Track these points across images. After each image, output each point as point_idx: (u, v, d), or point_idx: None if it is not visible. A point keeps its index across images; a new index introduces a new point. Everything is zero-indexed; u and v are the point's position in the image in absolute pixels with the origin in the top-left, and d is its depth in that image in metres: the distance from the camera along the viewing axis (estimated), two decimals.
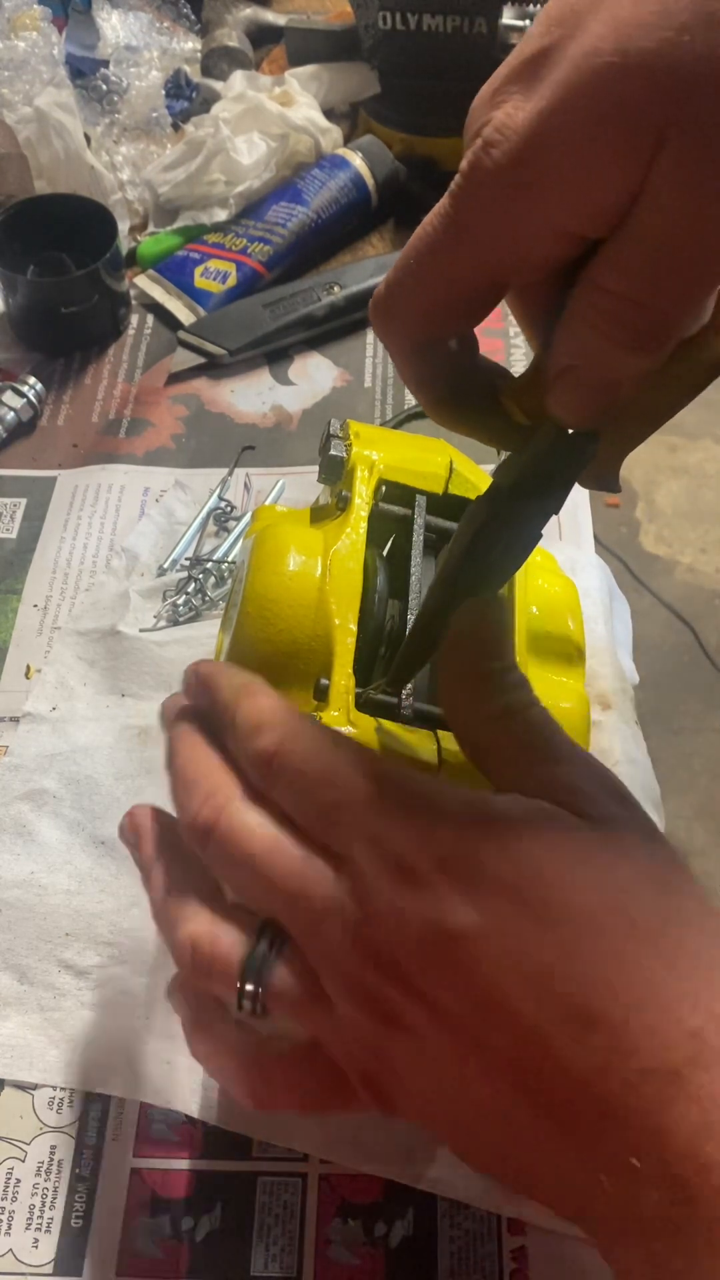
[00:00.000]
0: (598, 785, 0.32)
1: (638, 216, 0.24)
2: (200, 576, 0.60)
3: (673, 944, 0.28)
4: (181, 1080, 0.44)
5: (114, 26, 0.86)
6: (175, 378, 0.72)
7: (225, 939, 0.32)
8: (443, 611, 0.36)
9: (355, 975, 0.30)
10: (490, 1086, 0.28)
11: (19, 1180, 0.43)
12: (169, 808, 0.51)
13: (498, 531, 0.35)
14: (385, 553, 0.48)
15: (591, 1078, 0.27)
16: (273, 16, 0.92)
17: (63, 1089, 0.45)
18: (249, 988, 0.31)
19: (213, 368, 0.72)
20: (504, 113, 0.25)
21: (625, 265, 0.26)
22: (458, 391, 0.32)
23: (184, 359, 0.72)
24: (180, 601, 0.59)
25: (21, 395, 0.69)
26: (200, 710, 0.38)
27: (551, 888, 0.29)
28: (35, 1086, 0.45)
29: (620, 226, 0.25)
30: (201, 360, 0.72)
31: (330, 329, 0.73)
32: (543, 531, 0.35)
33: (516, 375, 0.32)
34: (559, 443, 0.32)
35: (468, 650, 0.35)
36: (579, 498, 0.64)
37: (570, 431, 0.31)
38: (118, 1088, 0.44)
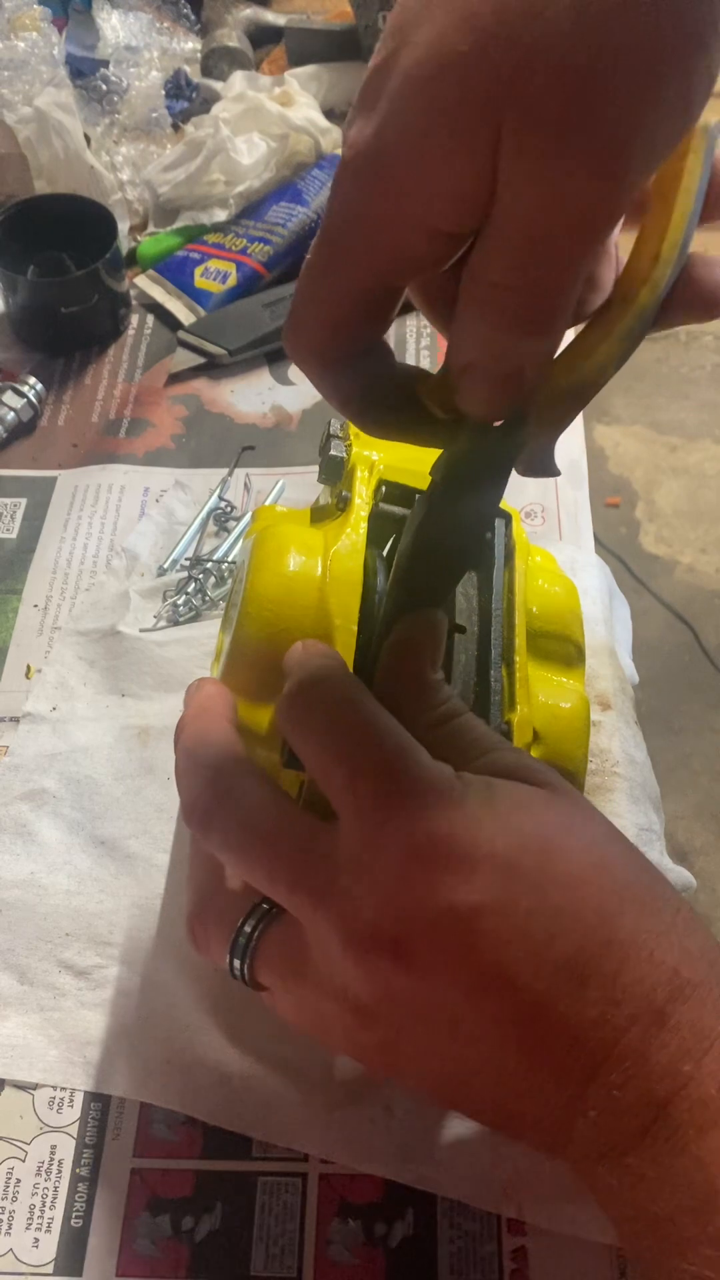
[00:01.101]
0: (532, 760, 0.35)
1: (498, 204, 0.25)
2: (200, 576, 0.60)
3: (645, 890, 0.31)
4: (181, 1080, 0.44)
5: (114, 26, 0.86)
6: (175, 378, 0.72)
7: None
8: (394, 618, 0.37)
9: (356, 955, 0.31)
10: (487, 1047, 0.31)
11: (19, 1180, 0.43)
12: (168, 807, 0.51)
13: (438, 529, 0.35)
14: (385, 553, 0.48)
15: (587, 1030, 0.29)
16: (273, 16, 0.92)
17: (63, 1089, 0.45)
18: (237, 964, 0.35)
19: (212, 368, 0.72)
20: (354, 132, 0.27)
21: (497, 254, 0.26)
22: (379, 400, 0.32)
23: (184, 359, 0.72)
24: (180, 601, 0.59)
25: (21, 395, 0.69)
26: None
27: (542, 856, 0.31)
28: (35, 1086, 0.45)
29: (487, 217, 0.26)
30: (201, 360, 0.72)
31: None
32: (491, 529, 0.36)
33: (434, 373, 0.33)
34: (485, 435, 0.32)
35: (406, 660, 0.36)
36: (579, 498, 0.64)
37: (495, 423, 0.31)
38: (118, 1087, 0.45)
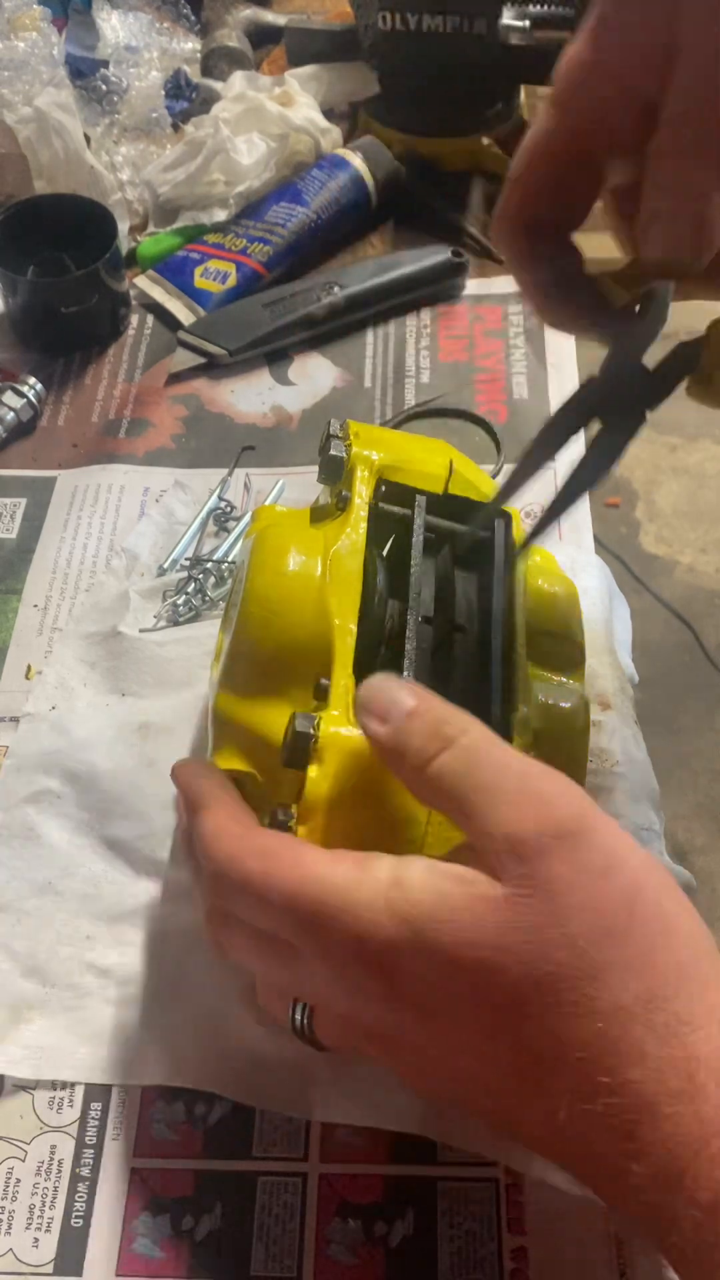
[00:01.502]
0: (512, 828, 0.32)
1: (681, 55, 0.31)
2: (200, 576, 0.60)
3: (618, 984, 0.30)
4: (216, 1065, 0.44)
5: (114, 27, 0.86)
6: (175, 378, 0.72)
7: None
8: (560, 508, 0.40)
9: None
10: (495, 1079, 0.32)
11: (19, 1180, 0.43)
12: (170, 799, 0.51)
13: (615, 424, 0.40)
14: (385, 553, 0.48)
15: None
16: (273, 16, 0.92)
17: (63, 1089, 0.45)
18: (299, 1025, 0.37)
19: (212, 368, 0.72)
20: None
21: (680, 94, 0.32)
22: (566, 292, 0.38)
23: (184, 359, 0.72)
24: (180, 601, 0.59)
25: (21, 395, 0.69)
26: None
27: (480, 984, 0.31)
28: (35, 1086, 0.45)
29: (669, 80, 0.32)
30: (201, 360, 0.72)
31: (330, 329, 0.73)
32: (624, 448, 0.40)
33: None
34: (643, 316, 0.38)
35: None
36: (579, 499, 0.64)
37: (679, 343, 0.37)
38: (152, 1077, 0.45)
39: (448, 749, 0.34)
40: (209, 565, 0.60)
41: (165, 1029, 0.46)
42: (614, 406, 0.40)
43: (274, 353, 0.73)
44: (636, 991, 0.30)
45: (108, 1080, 0.45)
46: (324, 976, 0.34)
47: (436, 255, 0.75)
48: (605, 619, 0.57)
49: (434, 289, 0.75)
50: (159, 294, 0.76)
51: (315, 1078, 0.44)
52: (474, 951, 0.31)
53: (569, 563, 0.56)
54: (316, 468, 0.48)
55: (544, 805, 0.33)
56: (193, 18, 0.90)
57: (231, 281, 0.75)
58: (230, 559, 0.61)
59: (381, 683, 0.37)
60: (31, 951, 0.48)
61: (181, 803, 0.41)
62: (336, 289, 0.73)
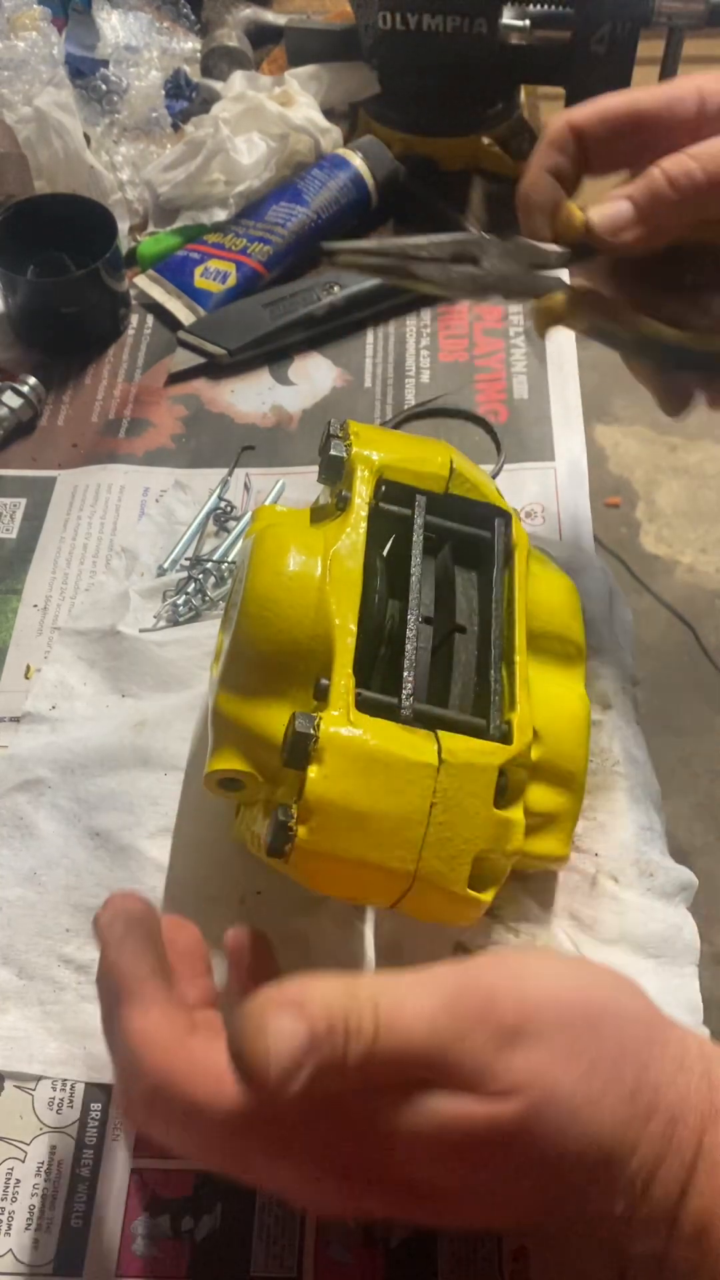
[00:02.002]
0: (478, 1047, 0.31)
1: None
2: (200, 576, 0.60)
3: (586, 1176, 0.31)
4: None
5: (114, 26, 0.86)
6: (175, 378, 0.72)
7: None
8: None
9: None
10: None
11: (19, 1180, 0.43)
12: (163, 800, 0.51)
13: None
14: (385, 553, 0.48)
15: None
16: (273, 16, 0.92)
17: (63, 1089, 0.45)
18: None
19: (212, 368, 0.72)
20: None
21: None
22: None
23: (184, 359, 0.72)
24: (180, 601, 0.59)
25: (21, 395, 0.69)
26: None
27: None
28: (35, 1086, 0.45)
29: None
30: (201, 360, 0.72)
31: (330, 329, 0.73)
32: None
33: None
34: None
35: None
36: (579, 498, 0.64)
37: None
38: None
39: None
40: (209, 565, 0.60)
41: None
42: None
43: (274, 353, 0.73)
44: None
45: (76, 1077, 0.45)
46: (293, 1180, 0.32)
47: None
48: (605, 619, 0.57)
49: None
50: (159, 294, 0.76)
51: None
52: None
53: (569, 563, 0.56)
54: (316, 468, 0.47)
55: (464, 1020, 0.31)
56: (193, 18, 0.90)
57: (231, 281, 0.75)
58: (230, 559, 0.61)
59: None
60: (10, 942, 0.48)
61: (100, 951, 0.37)
62: (336, 289, 0.73)
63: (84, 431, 0.70)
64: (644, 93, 0.49)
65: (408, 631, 0.43)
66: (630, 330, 0.49)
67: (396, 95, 0.82)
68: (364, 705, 0.41)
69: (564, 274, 0.50)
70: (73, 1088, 0.45)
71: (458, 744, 0.40)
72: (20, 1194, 0.43)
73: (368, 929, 0.48)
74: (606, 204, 0.47)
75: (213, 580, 0.60)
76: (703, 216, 0.47)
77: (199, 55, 0.88)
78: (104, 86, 0.82)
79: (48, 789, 0.52)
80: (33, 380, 0.69)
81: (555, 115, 0.50)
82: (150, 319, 0.76)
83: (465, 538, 0.47)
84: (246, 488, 0.66)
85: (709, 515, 1.82)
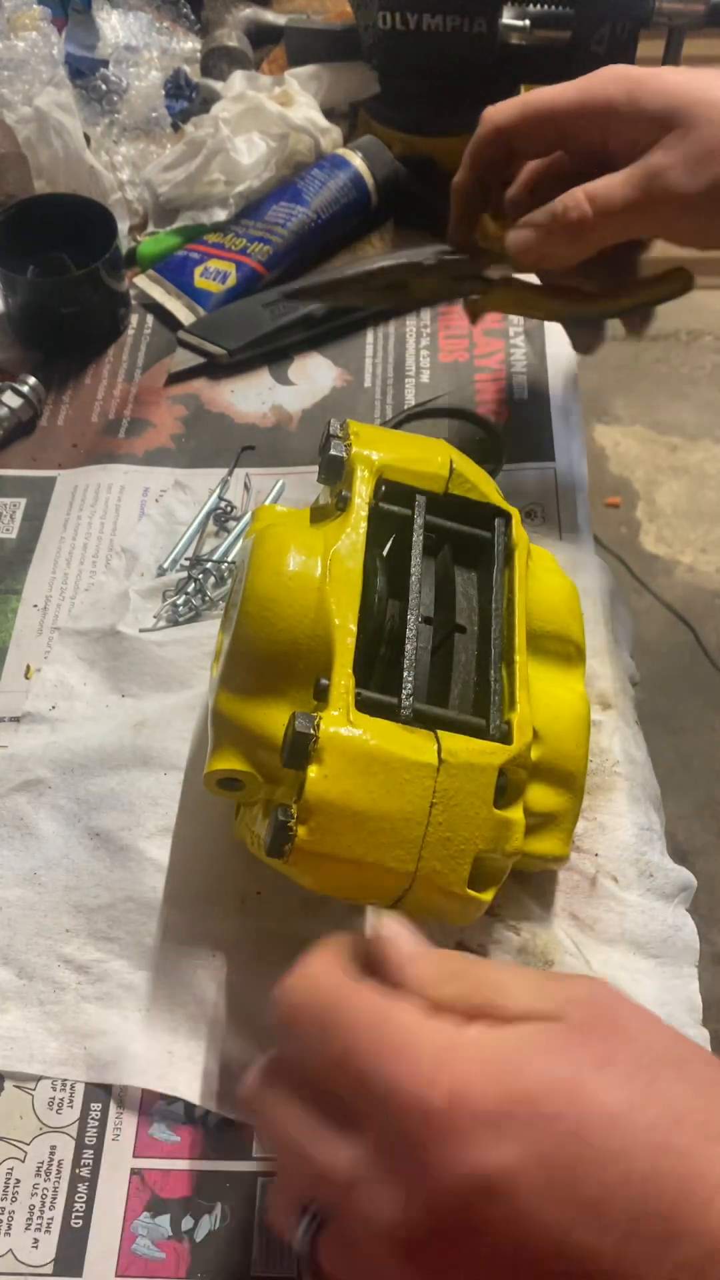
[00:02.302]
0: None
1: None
2: (200, 576, 0.60)
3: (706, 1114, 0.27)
4: (183, 1068, 0.44)
5: (114, 26, 0.86)
6: (175, 378, 0.72)
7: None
8: None
9: (389, 1249, 0.28)
10: None
11: (19, 1180, 0.43)
12: (162, 800, 0.51)
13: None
14: (385, 553, 0.48)
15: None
16: (273, 16, 0.92)
17: (62, 1089, 0.45)
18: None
19: (212, 368, 0.72)
20: None
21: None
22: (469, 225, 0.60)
23: (183, 358, 0.72)
24: (180, 602, 0.59)
25: (21, 395, 0.69)
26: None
27: (573, 1098, 0.28)
28: (35, 1086, 0.45)
29: None
30: (201, 360, 0.72)
31: (330, 329, 0.73)
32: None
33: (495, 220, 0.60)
34: None
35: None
36: (579, 498, 0.64)
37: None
38: (118, 1076, 0.45)
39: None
40: (209, 565, 0.60)
41: (139, 1031, 0.46)
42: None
43: (274, 352, 0.73)
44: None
45: (76, 1077, 0.45)
46: (365, 1158, 0.29)
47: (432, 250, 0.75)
48: (605, 619, 0.57)
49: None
50: (159, 294, 0.76)
51: None
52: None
53: (569, 563, 0.56)
54: (316, 468, 0.47)
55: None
56: (193, 17, 0.90)
57: (231, 281, 0.75)
58: (230, 559, 0.61)
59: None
60: (10, 941, 0.48)
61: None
62: None
63: (84, 431, 0.70)
64: (562, 91, 0.55)
65: (408, 631, 0.43)
66: (543, 310, 0.63)
67: (396, 95, 0.82)
68: (364, 705, 0.41)
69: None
70: (73, 1087, 0.45)
71: (458, 744, 0.40)
72: (20, 1194, 0.43)
73: (368, 930, 0.48)
74: (517, 231, 0.56)
75: (213, 580, 0.60)
76: (599, 247, 0.55)
77: (199, 55, 0.88)
78: (104, 86, 0.82)
79: (48, 789, 0.52)
80: (33, 380, 0.69)
81: (485, 111, 0.57)
82: (150, 319, 0.76)
83: (465, 538, 0.47)
84: (246, 488, 0.66)
85: (709, 515, 1.82)
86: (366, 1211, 0.29)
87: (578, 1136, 0.27)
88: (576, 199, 0.53)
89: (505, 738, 0.42)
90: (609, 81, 0.54)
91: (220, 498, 0.64)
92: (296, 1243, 0.31)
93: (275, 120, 0.78)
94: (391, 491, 0.47)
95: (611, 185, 0.53)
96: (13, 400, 0.68)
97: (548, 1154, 0.27)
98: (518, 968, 0.32)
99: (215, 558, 0.61)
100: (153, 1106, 0.45)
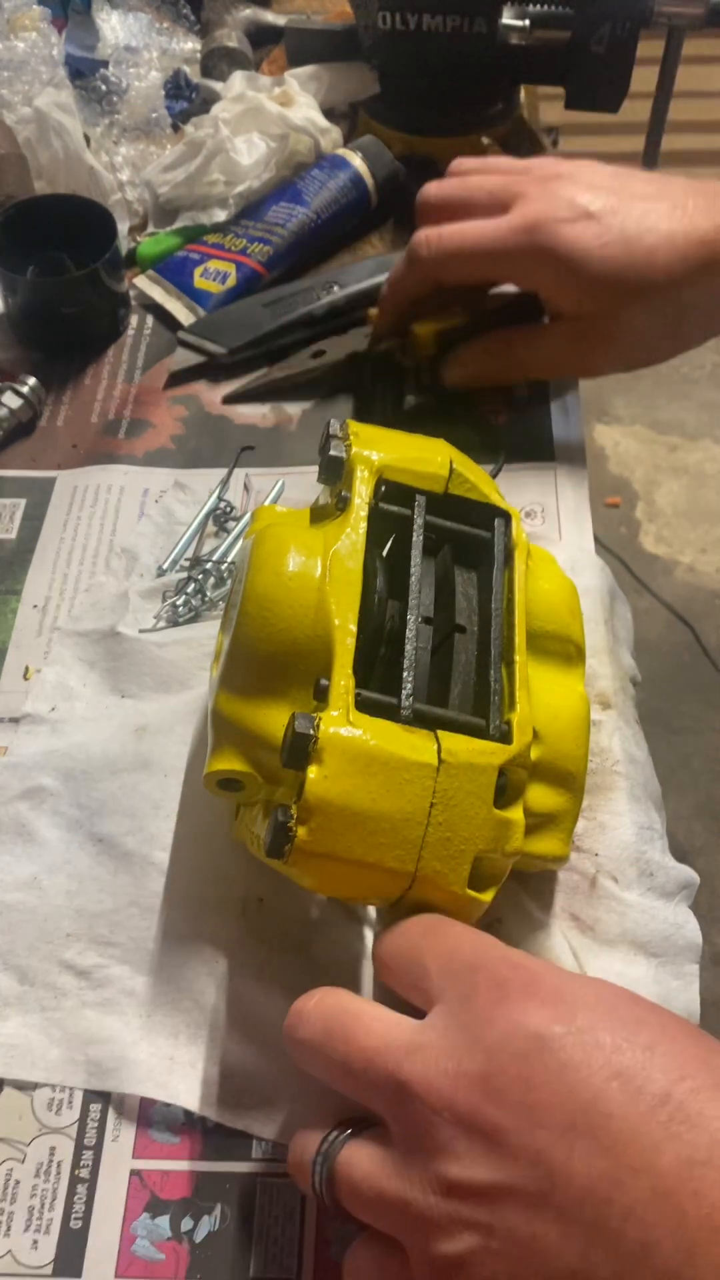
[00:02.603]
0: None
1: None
2: (200, 577, 0.60)
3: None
4: (184, 1075, 0.44)
5: (114, 27, 0.86)
6: (175, 378, 0.72)
7: None
8: None
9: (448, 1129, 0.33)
10: None
11: (18, 1181, 0.43)
12: (165, 803, 0.51)
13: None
14: (385, 553, 0.48)
15: None
16: (273, 16, 0.92)
17: (62, 1090, 0.45)
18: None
19: (213, 368, 0.72)
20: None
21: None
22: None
23: (184, 358, 0.72)
24: (180, 602, 0.59)
25: (21, 395, 0.68)
26: None
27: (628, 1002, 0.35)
28: (35, 1087, 0.45)
29: None
30: (201, 360, 0.72)
31: (330, 328, 0.73)
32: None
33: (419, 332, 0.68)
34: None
35: None
36: (579, 498, 0.64)
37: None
38: (119, 1083, 0.44)
39: None
40: (209, 566, 0.60)
41: (140, 1038, 0.45)
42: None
43: (274, 352, 0.73)
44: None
45: (77, 1084, 0.45)
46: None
47: None
48: (605, 619, 0.57)
49: None
50: (159, 294, 0.76)
51: (287, 1095, 0.44)
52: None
53: (569, 563, 0.56)
54: (316, 468, 0.47)
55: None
56: (193, 18, 0.90)
57: (231, 281, 0.75)
58: (230, 559, 0.61)
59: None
60: (11, 947, 0.48)
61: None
62: (336, 288, 0.73)
63: (84, 432, 0.70)
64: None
65: (407, 632, 0.43)
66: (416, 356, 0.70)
67: (396, 95, 0.82)
68: (364, 705, 0.41)
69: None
70: (72, 1089, 0.45)
71: (457, 744, 0.40)
72: (19, 1195, 0.43)
73: (368, 930, 0.48)
74: (453, 369, 0.68)
75: (212, 581, 0.60)
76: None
77: (199, 55, 0.88)
78: (104, 87, 0.82)
79: (50, 796, 0.52)
80: (33, 380, 0.69)
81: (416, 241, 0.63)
82: (150, 319, 0.76)
83: (465, 538, 0.47)
84: (246, 488, 0.66)
85: (709, 515, 1.82)
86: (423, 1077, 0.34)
87: (628, 1024, 0.33)
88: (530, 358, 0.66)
89: (505, 738, 0.42)
90: (532, 248, 0.60)
91: (220, 498, 0.64)
92: (315, 1179, 0.36)
93: (275, 120, 0.78)
94: (391, 491, 0.47)
95: (558, 342, 0.64)
96: (13, 401, 0.68)
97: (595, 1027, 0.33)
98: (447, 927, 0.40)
99: (215, 558, 0.61)
100: (152, 1108, 0.44)
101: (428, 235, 0.62)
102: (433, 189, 0.64)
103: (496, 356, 0.66)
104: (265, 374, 0.71)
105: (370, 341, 0.69)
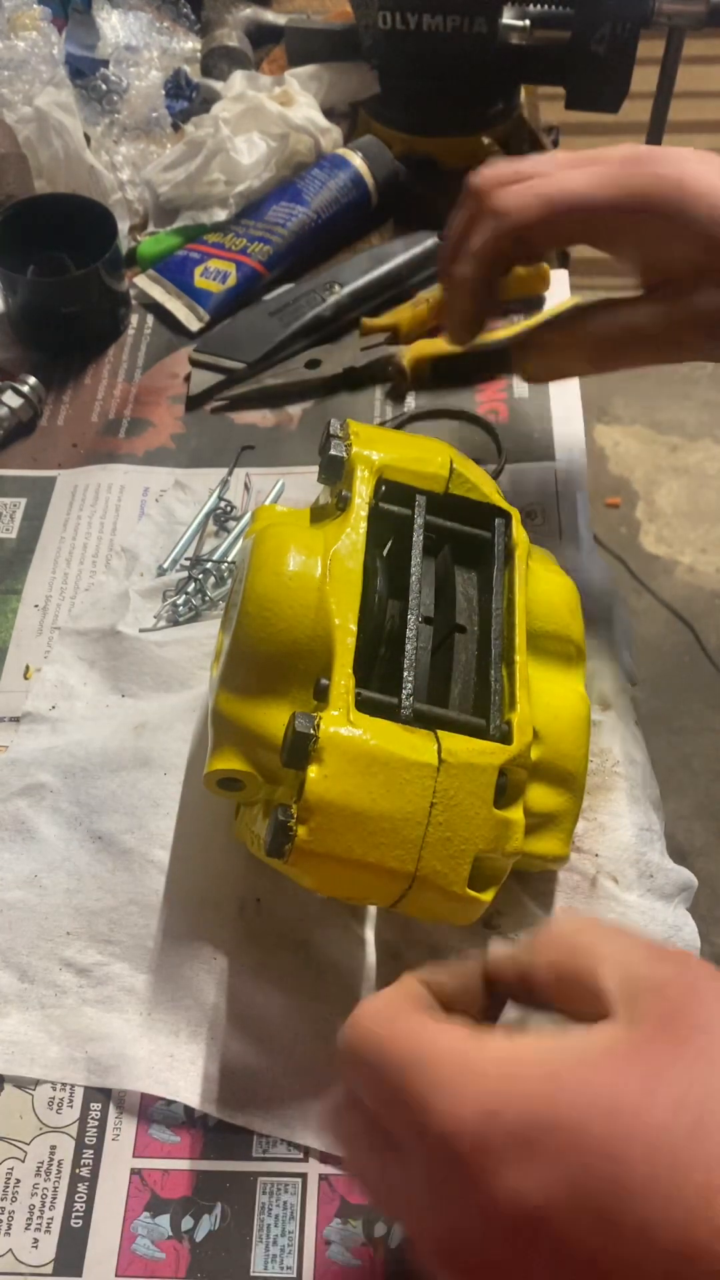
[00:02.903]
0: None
1: None
2: (200, 577, 0.60)
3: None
4: (184, 1072, 0.44)
5: (114, 26, 0.86)
6: (196, 400, 0.70)
7: None
8: None
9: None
10: None
11: (19, 1180, 0.43)
12: (163, 801, 0.51)
13: None
14: (385, 553, 0.48)
15: None
16: (273, 16, 0.92)
17: (62, 1089, 0.45)
18: None
19: (231, 383, 0.71)
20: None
21: None
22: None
23: (201, 380, 0.71)
24: (180, 602, 0.59)
25: (21, 395, 0.69)
26: None
27: (615, 1119, 0.26)
28: (36, 1086, 0.45)
29: None
30: (220, 378, 0.71)
31: (336, 329, 0.73)
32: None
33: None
34: None
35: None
36: (579, 498, 0.64)
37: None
38: (119, 1080, 0.44)
39: None
40: (209, 565, 0.60)
41: (140, 1035, 0.46)
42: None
43: (266, 357, 0.73)
44: None
45: (78, 1081, 0.45)
46: (418, 1180, 0.29)
47: (427, 240, 0.75)
48: (605, 619, 0.57)
49: (429, 274, 0.75)
50: (159, 294, 0.76)
51: (288, 1093, 0.44)
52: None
53: (569, 563, 0.56)
54: (316, 468, 0.47)
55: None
56: (193, 17, 0.90)
57: (231, 281, 0.75)
58: (230, 559, 0.61)
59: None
60: (11, 945, 0.48)
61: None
62: (337, 287, 0.73)
63: (84, 431, 0.70)
64: (592, 186, 0.50)
65: (408, 631, 0.43)
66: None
67: (396, 95, 0.82)
68: (364, 705, 0.41)
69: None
70: (72, 1088, 0.45)
71: (458, 744, 0.40)
72: (20, 1194, 0.43)
73: (368, 931, 0.48)
74: (539, 363, 0.57)
75: (213, 580, 0.60)
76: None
77: (199, 55, 0.88)
78: (104, 86, 0.82)
79: (49, 793, 0.52)
80: (33, 380, 0.69)
81: (495, 202, 0.52)
82: (150, 319, 0.76)
83: (465, 538, 0.47)
84: (246, 488, 0.66)
85: (709, 515, 1.82)
86: (425, 1238, 0.29)
87: (614, 1159, 0.25)
88: (610, 332, 0.52)
89: (505, 738, 0.42)
90: (649, 180, 0.49)
91: (220, 498, 0.64)
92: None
93: (275, 120, 0.78)
94: (391, 491, 0.47)
95: (647, 315, 0.52)
96: (13, 400, 0.68)
97: (578, 1180, 0.25)
98: (623, 933, 0.32)
99: (215, 558, 0.61)
100: (152, 1107, 0.45)
101: (511, 189, 0.51)
102: (486, 170, 0.54)
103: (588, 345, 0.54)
104: (257, 381, 0.70)
105: (451, 338, 0.59)
